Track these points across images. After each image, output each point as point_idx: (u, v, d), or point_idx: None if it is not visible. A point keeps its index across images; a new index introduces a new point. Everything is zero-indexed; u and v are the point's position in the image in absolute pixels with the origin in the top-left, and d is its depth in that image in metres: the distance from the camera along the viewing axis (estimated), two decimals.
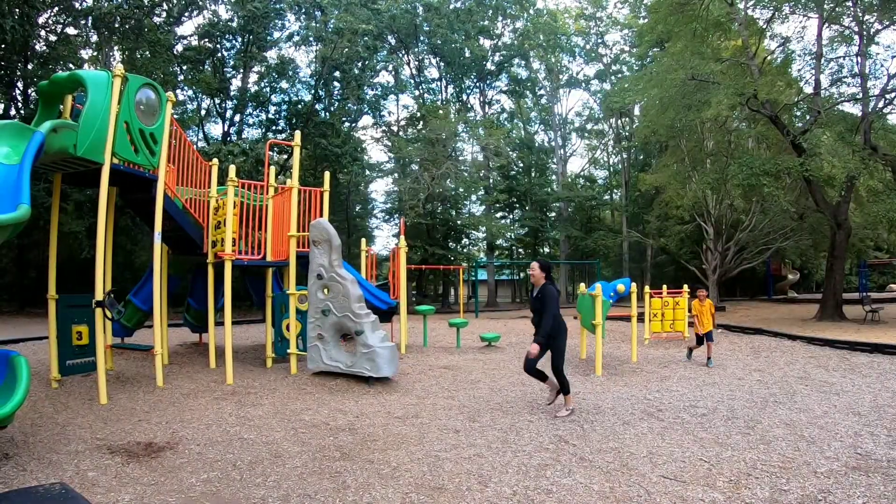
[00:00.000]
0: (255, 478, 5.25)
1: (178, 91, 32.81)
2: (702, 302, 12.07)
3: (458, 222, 38.85)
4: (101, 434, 6.67)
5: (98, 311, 8.55)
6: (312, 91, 36.66)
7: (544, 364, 7.63)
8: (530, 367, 7.49)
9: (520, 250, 52.85)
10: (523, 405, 8.26)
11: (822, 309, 20.72)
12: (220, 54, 34.11)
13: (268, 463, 5.68)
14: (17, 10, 23.84)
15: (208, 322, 11.51)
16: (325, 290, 10.22)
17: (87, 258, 24.03)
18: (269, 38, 34.65)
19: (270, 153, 16.17)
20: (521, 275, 55.63)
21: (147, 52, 29.39)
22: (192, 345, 14.96)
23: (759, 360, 12.47)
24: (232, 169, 10.65)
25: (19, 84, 27.27)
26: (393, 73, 43.91)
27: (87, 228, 24.88)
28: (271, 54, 36.29)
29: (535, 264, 7.62)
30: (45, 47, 27.78)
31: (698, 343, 12.20)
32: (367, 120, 45.38)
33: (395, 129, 44.74)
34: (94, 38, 29.51)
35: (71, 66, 27.35)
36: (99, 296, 8.50)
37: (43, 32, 27.97)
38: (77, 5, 27.77)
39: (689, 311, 13.94)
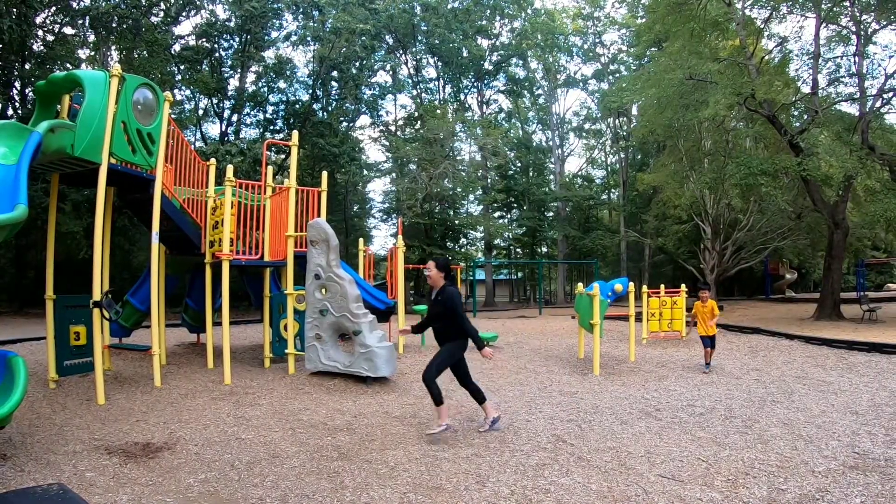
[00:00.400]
0: (252, 478, 5.25)
1: (176, 91, 32.75)
2: (704, 303, 11.19)
3: (456, 222, 38.84)
4: (98, 434, 6.66)
5: (96, 311, 8.54)
6: (310, 91, 36.66)
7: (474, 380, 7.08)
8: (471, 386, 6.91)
9: (517, 250, 52.89)
10: (521, 404, 8.26)
11: (819, 308, 20.74)
12: (217, 54, 34.07)
13: (266, 463, 5.67)
14: (15, 9, 23.81)
15: (206, 322, 11.50)
16: (323, 290, 10.21)
17: (85, 258, 24.01)
18: (266, 37, 34.64)
19: (268, 153, 16.16)
20: (519, 274, 55.67)
21: (145, 52, 29.35)
22: (190, 345, 14.94)
23: (757, 359, 12.48)
24: (230, 169, 10.64)
25: (17, 84, 27.23)
26: (391, 72, 43.92)
27: (85, 228, 24.87)
28: (269, 54, 36.38)
29: (431, 263, 6.87)
30: (42, 47, 27.77)
31: (706, 345, 11.18)
32: (364, 120, 45.35)
33: (392, 128, 44.74)
34: (92, 37, 29.49)
35: (68, 65, 27.31)
36: (97, 296, 8.49)
37: (40, 32, 27.96)
38: (74, 5, 27.78)
39: (688, 310, 13.90)
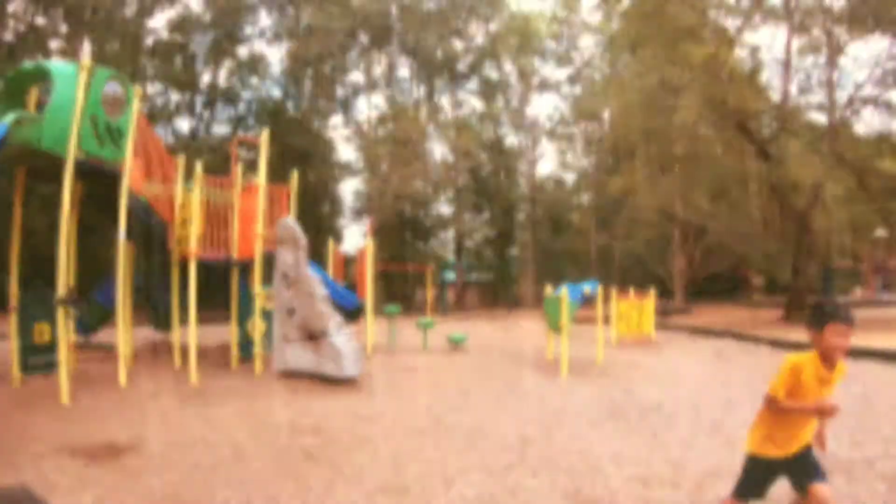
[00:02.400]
0: (217, 480, 5.18)
1: (148, 85, 32.38)
2: (830, 366, 4.00)
3: (427, 223, 38.76)
4: (62, 435, 6.54)
5: (61, 308, 8.40)
6: (283, 88, 36.46)
7: None
8: None
9: (488, 252, 52.90)
10: (489, 406, 8.27)
11: (787, 313, 21.03)
12: (190, 49, 33.72)
13: (231, 465, 5.61)
14: None
15: (172, 321, 11.38)
16: (291, 290, 10.14)
17: (50, 255, 23.61)
18: (240, 33, 34.38)
19: (238, 150, 16.02)
20: (489, 276, 55.72)
21: (117, 45, 28.97)
22: (156, 344, 14.75)
23: (724, 361, 12.62)
24: (199, 165, 10.52)
25: None
26: (364, 72, 43.80)
27: (50, 224, 24.46)
28: (242, 50, 36.05)
29: None
30: (12, 38, 27.29)
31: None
32: (337, 119, 45.15)
33: (365, 127, 44.57)
34: (64, 28, 29.07)
35: (39, 57, 26.88)
36: (61, 293, 8.35)
37: (12, 22, 27.50)
38: None
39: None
